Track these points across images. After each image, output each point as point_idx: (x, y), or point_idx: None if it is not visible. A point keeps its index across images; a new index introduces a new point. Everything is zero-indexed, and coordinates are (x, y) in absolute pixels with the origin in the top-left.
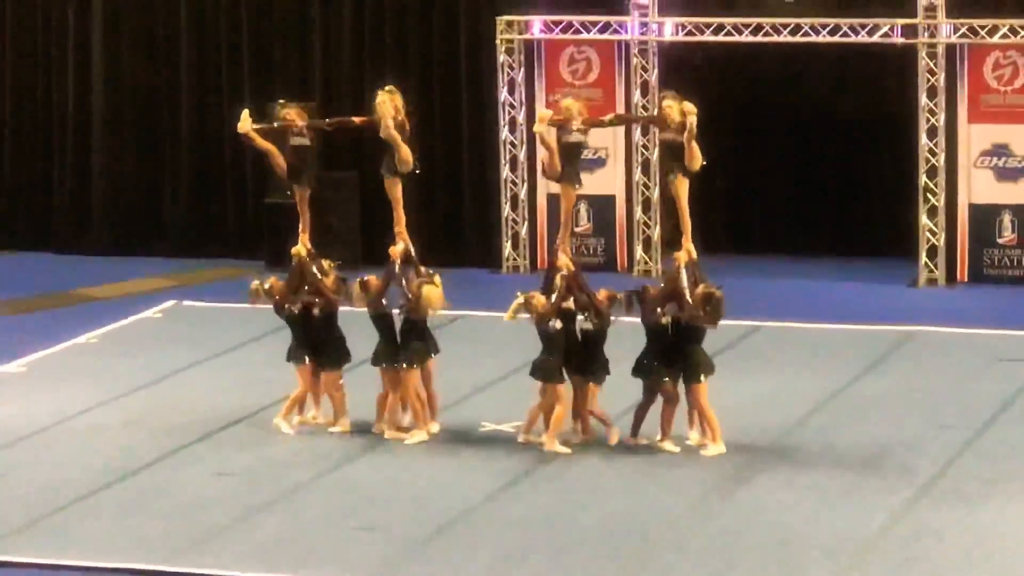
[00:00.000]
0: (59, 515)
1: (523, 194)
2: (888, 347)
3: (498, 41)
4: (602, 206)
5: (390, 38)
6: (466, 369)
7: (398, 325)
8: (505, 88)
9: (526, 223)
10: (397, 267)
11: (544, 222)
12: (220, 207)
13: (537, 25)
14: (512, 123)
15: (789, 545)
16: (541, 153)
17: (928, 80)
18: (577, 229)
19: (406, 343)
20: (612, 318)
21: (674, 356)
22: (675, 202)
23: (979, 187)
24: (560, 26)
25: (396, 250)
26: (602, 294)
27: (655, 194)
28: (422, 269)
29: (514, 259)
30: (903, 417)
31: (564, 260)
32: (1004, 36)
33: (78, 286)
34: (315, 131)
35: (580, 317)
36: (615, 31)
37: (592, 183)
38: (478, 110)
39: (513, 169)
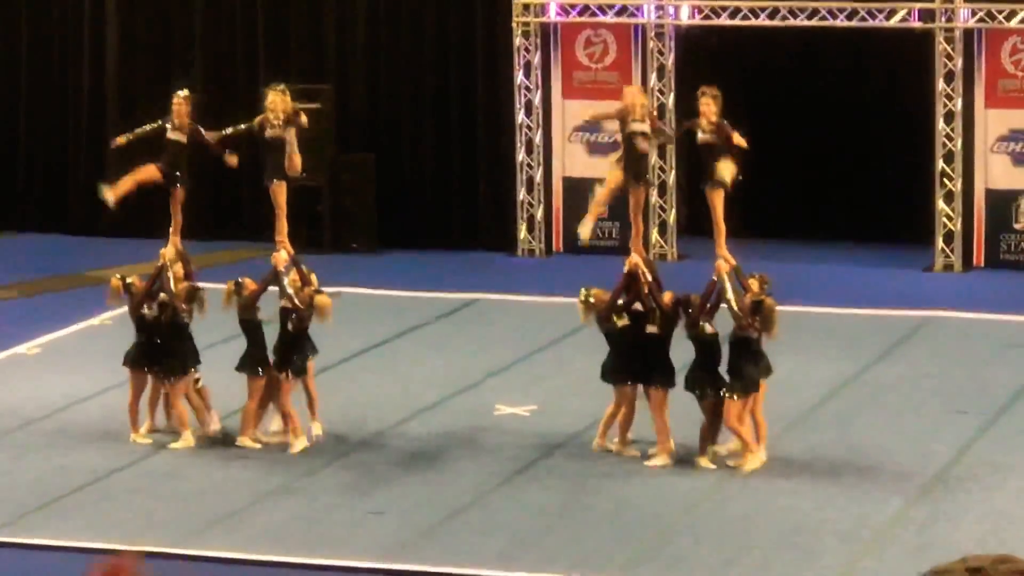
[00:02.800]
0: (72, 497)
1: (539, 177)
2: (904, 332)
3: (514, 24)
4: None
5: (406, 20)
6: (480, 353)
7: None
8: (521, 71)
9: (542, 206)
10: (280, 275)
11: (560, 205)
12: (235, 189)
13: (553, 8)
14: (528, 106)
15: (804, 530)
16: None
17: (945, 65)
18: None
19: (291, 352)
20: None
21: (727, 368)
22: (711, 210)
23: (996, 172)
24: (576, 9)
25: (279, 257)
26: (666, 297)
27: (671, 178)
28: (304, 269)
29: (529, 242)
30: (918, 403)
31: (634, 259)
32: (1022, 21)
33: (92, 268)
34: (198, 136)
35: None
36: (631, 14)
37: (607, 166)
38: (494, 93)
39: (529, 152)
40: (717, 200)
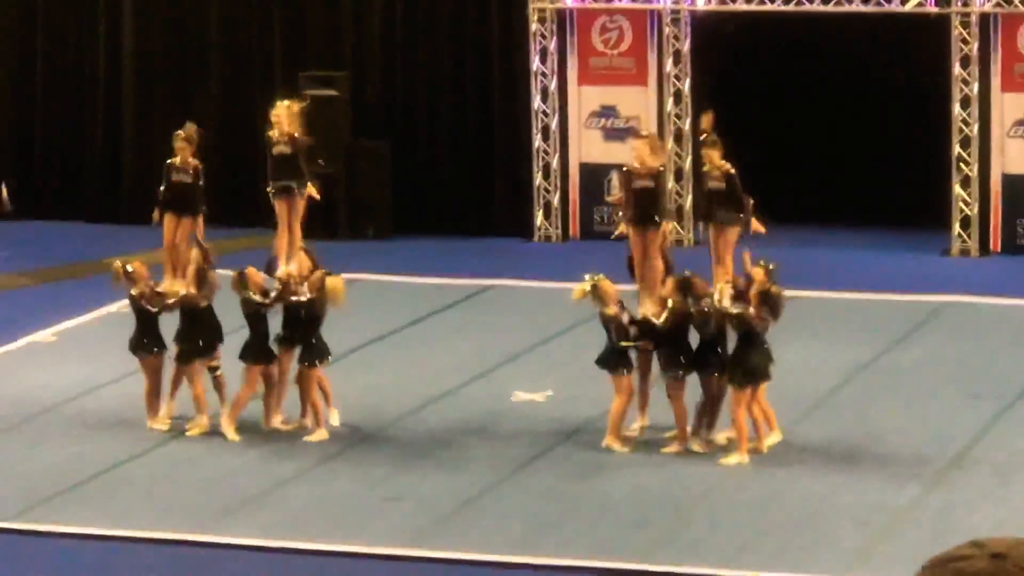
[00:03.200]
0: (89, 485)
1: (555, 163)
2: (921, 318)
3: (530, 10)
4: None
5: (422, 6)
6: (497, 338)
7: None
8: (537, 57)
9: (558, 192)
10: (290, 285)
11: (576, 191)
12: (251, 175)
13: None
14: (544, 92)
15: (820, 515)
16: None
17: (961, 49)
18: (609, 198)
19: (311, 340)
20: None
21: (731, 359)
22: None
23: (1013, 157)
24: None
25: (292, 271)
26: (668, 285)
27: (687, 163)
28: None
29: (546, 228)
30: (935, 388)
31: (652, 312)
32: None
33: (109, 255)
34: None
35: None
36: (647, 0)
37: (624, 152)
38: (510, 79)
39: (545, 138)
40: (726, 235)
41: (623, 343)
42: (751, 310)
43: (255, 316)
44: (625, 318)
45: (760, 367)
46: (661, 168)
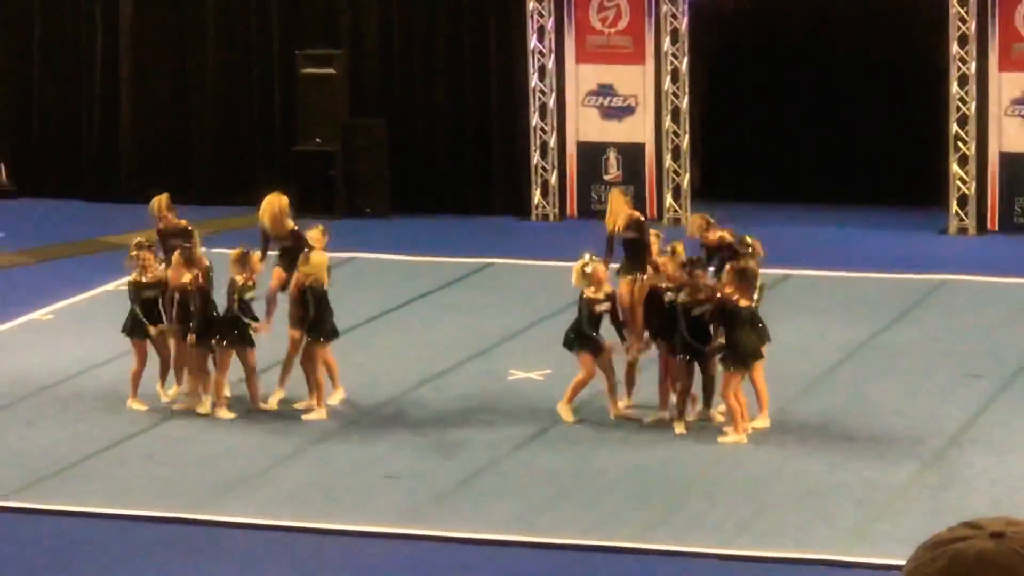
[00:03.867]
0: (86, 463)
1: (552, 141)
2: (918, 296)
3: None
4: (632, 154)
5: None
6: (494, 317)
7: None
8: (534, 35)
9: (555, 171)
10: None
11: (574, 169)
12: (248, 154)
13: None
14: (542, 70)
15: (817, 493)
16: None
17: (959, 28)
18: (606, 177)
19: (321, 318)
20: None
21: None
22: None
23: (1010, 135)
24: None
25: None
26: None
27: (685, 142)
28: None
29: (543, 207)
30: (933, 366)
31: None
32: None
33: (106, 234)
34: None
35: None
36: None
37: (622, 131)
38: (508, 57)
39: (542, 116)
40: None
41: (589, 331)
42: (727, 289)
43: (239, 299)
44: (601, 308)
45: (750, 349)
46: (641, 219)
